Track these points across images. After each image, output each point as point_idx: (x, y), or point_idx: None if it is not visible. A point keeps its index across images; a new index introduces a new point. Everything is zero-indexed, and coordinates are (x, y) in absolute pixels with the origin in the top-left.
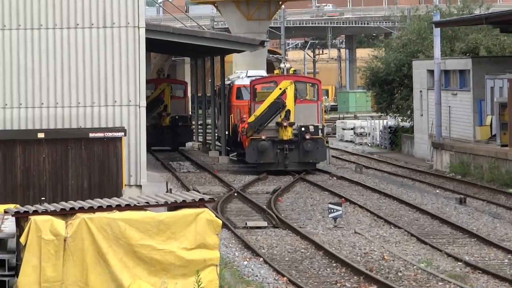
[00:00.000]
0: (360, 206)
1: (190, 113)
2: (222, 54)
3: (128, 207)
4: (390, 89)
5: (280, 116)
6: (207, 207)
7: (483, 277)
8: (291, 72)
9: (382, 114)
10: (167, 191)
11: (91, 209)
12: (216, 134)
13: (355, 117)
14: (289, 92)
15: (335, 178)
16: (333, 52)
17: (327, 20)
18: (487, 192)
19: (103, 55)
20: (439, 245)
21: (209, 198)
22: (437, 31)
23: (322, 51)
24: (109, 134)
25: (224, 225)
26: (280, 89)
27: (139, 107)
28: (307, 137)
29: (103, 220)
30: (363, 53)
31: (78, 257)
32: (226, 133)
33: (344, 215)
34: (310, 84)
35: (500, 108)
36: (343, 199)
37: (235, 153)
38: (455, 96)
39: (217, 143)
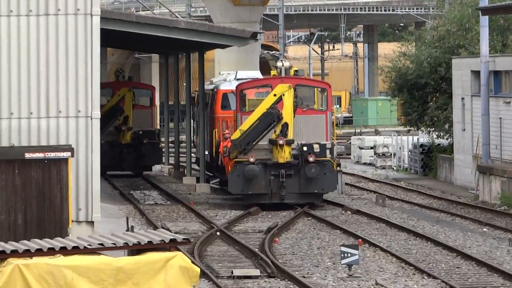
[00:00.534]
0: (383, 249)
1: (158, 127)
2: (201, 50)
3: (76, 250)
4: (422, 96)
5: (275, 132)
6: (180, 251)
7: None
8: (291, 73)
9: (412, 128)
10: (127, 230)
11: (27, 253)
12: (193, 155)
13: (376, 133)
14: (287, 99)
15: (349, 212)
16: (348, 48)
17: (340, 6)
18: None
19: (44, 51)
20: None
21: (183, 239)
22: (484, 19)
23: (333, 46)
24: (52, 155)
25: (203, 274)
26: (275, 95)
27: (91, 119)
28: (311, 159)
29: (43, 267)
30: (386, 49)
31: None
32: (207, 153)
33: (362, 261)
34: (316, 89)
35: None
36: (360, 240)
37: (218, 180)
38: (508, 105)
39: (194, 166)
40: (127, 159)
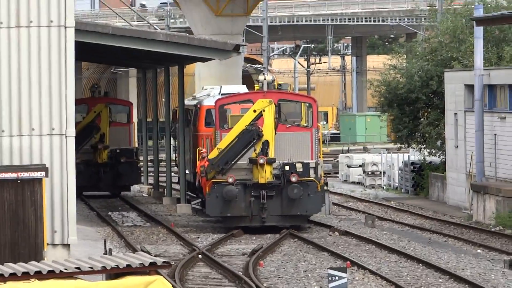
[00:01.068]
0: (372, 272)
1: (136, 145)
2: (181, 64)
3: (52, 274)
4: (413, 111)
5: (255, 150)
6: (161, 274)
7: None
8: (274, 87)
9: (402, 145)
10: (105, 253)
11: (0, 277)
12: (175, 174)
13: (365, 150)
14: (267, 115)
15: (337, 233)
16: (335, 61)
17: (327, 17)
18: None
19: (15, 66)
20: None
21: (164, 262)
22: (479, 30)
23: (320, 59)
24: (25, 175)
25: None
26: (255, 111)
27: (66, 137)
28: (293, 179)
29: None
30: (376, 62)
31: None
32: (187, 172)
33: (350, 285)
34: (300, 104)
35: None
36: (348, 262)
37: (199, 201)
38: (503, 120)
39: (176, 186)
40: (104, 179)
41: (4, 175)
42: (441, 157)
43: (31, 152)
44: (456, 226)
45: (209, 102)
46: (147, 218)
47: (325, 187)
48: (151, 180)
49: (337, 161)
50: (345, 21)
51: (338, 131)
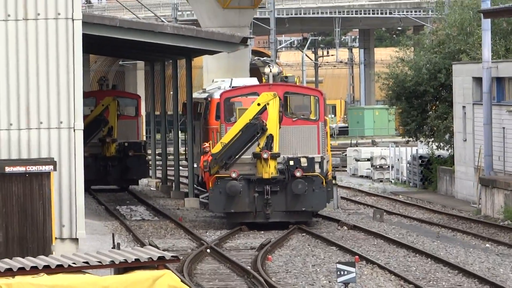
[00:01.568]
0: (381, 267)
1: (144, 138)
2: (188, 57)
3: (60, 268)
4: (422, 105)
5: (259, 145)
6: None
7: None
8: (280, 80)
9: (411, 139)
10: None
11: (9, 272)
12: (185, 168)
13: (373, 144)
14: (272, 108)
15: (345, 228)
16: (343, 53)
17: (334, 9)
18: None
19: (23, 58)
20: None
21: (172, 256)
22: (486, 23)
23: (328, 52)
24: (33, 168)
25: None
26: (259, 104)
27: (74, 130)
28: (297, 174)
29: (26, 286)
30: (383, 55)
31: None
32: (196, 166)
33: (359, 279)
34: (310, 97)
35: None
36: (356, 257)
37: (207, 195)
38: (511, 113)
39: (184, 180)
40: (112, 172)
41: (12, 169)
42: (450, 150)
43: (39, 146)
44: (464, 220)
45: (219, 95)
46: (155, 212)
47: (334, 181)
48: (159, 174)
49: (345, 154)
50: (352, 14)
51: (346, 125)
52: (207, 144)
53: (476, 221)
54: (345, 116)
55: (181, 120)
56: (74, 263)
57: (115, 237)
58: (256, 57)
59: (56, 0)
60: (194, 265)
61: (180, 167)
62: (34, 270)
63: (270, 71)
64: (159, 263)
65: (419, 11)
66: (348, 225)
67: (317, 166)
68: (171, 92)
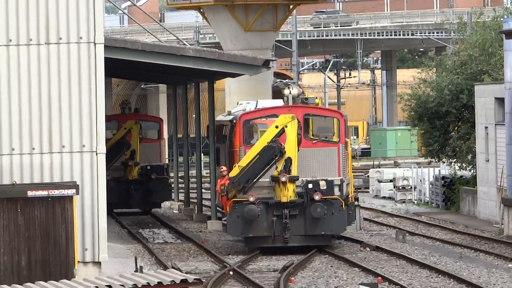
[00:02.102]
0: (403, 287)
1: (167, 161)
2: (211, 80)
3: None
4: (444, 125)
5: (277, 168)
6: None
7: None
8: (300, 101)
9: (433, 160)
10: (136, 270)
11: None
12: (203, 191)
13: (396, 165)
14: (290, 131)
15: (368, 249)
16: (365, 75)
17: (356, 31)
18: None
19: (45, 82)
20: None
21: (195, 279)
22: (509, 43)
23: (350, 74)
24: (55, 192)
25: None
26: (277, 127)
27: (96, 154)
28: (316, 197)
29: None
30: (405, 76)
31: None
32: None
33: None
34: (332, 119)
35: None
36: (379, 278)
37: None
38: None
39: (206, 203)
40: (135, 195)
41: (35, 193)
42: (472, 171)
43: (61, 170)
44: (487, 241)
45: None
46: (178, 235)
47: (356, 202)
48: (181, 197)
49: (368, 176)
50: (374, 35)
51: (369, 146)
52: (224, 168)
53: (498, 241)
54: (367, 138)
55: (203, 143)
56: (96, 287)
57: (137, 260)
58: (278, 79)
59: (78, 24)
60: (216, 287)
61: (203, 190)
62: None
63: (290, 93)
64: (181, 286)
65: (441, 32)
66: (370, 246)
67: (336, 189)
68: (194, 115)
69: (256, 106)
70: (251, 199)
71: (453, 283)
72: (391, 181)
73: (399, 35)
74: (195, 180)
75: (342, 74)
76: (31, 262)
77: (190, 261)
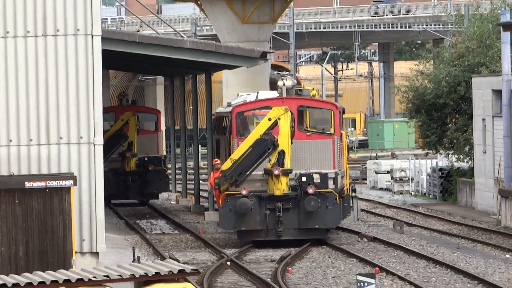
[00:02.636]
0: (401, 278)
1: (164, 153)
2: (208, 71)
3: (80, 282)
4: (441, 117)
5: (270, 161)
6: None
7: None
8: (294, 93)
9: (430, 151)
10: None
11: (29, 286)
12: (201, 182)
13: (393, 156)
14: (283, 123)
15: (365, 239)
16: (362, 67)
17: (354, 23)
18: None
19: (42, 74)
20: None
21: (192, 269)
22: (506, 36)
23: (347, 66)
24: (53, 183)
25: None
26: (269, 119)
27: (94, 145)
28: (310, 191)
29: None
30: (403, 68)
31: None
32: None
33: None
34: (330, 111)
35: None
36: (377, 268)
37: None
38: None
39: (204, 194)
40: (132, 187)
41: (32, 184)
42: (469, 162)
43: (59, 161)
44: (484, 232)
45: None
46: (176, 226)
47: (353, 194)
48: (179, 188)
49: (365, 167)
50: (372, 28)
51: (366, 138)
52: (218, 161)
53: (496, 232)
54: (365, 129)
55: (201, 134)
56: (94, 277)
57: (135, 251)
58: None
59: (75, 16)
60: (214, 278)
61: (200, 181)
62: (55, 284)
63: (284, 84)
64: (179, 276)
65: (439, 25)
66: (368, 237)
67: (330, 182)
68: (191, 107)
69: (257, 97)
70: (244, 192)
71: (450, 274)
72: (388, 172)
73: (397, 27)
74: (193, 171)
75: (339, 66)
76: (29, 253)
77: (188, 252)
